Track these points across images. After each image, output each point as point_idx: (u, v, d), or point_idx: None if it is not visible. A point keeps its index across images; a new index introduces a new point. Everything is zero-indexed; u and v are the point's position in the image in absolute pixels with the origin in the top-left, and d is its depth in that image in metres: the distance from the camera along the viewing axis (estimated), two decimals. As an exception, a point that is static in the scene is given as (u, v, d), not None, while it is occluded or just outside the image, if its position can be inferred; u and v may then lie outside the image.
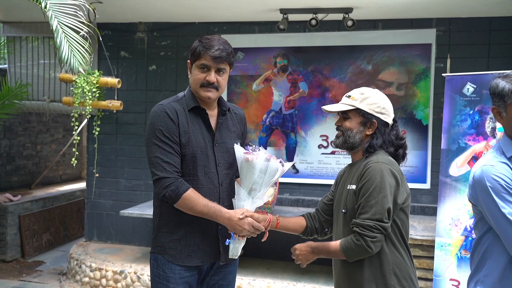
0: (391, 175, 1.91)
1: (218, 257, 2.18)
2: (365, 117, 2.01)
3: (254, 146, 2.12)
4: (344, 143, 2.05)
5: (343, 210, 2.02)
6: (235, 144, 2.12)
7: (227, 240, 2.09)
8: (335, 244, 1.98)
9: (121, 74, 5.53)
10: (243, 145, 2.29)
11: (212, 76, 2.10)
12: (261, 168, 2.04)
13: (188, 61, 2.18)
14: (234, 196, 2.13)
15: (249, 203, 2.09)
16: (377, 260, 1.93)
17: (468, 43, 4.75)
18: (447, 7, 4.41)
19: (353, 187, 1.99)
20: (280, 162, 2.09)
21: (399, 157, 2.07)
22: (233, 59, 2.17)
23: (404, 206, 1.97)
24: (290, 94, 5.16)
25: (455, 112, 3.64)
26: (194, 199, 2.04)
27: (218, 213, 2.04)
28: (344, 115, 2.06)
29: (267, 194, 2.17)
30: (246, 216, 2.05)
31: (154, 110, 2.12)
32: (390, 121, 2.05)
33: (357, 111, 2.02)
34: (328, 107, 2.10)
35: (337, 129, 2.10)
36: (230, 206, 2.13)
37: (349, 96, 2.06)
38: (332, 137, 5.04)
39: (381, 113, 2.02)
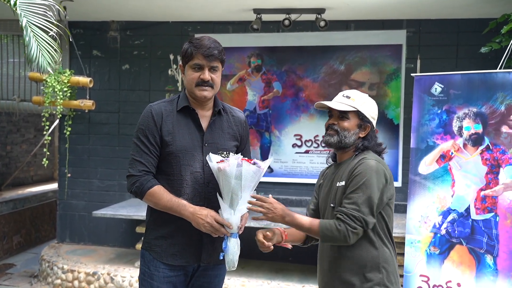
0: (382, 173, 1.97)
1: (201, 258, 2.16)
2: (362, 120, 2.06)
3: (225, 153, 2.08)
4: (338, 142, 2.04)
5: (332, 204, 2.05)
6: (210, 153, 2.07)
7: (221, 253, 2.08)
8: (313, 221, 1.97)
9: (94, 73, 5.46)
10: (243, 149, 2.28)
11: (206, 74, 2.11)
12: (236, 175, 1.98)
13: (180, 64, 2.22)
14: (221, 197, 2.07)
15: (232, 213, 2.03)
16: (367, 254, 1.97)
17: (437, 44, 4.86)
18: (417, 9, 4.51)
19: (343, 183, 2.00)
20: (254, 163, 2.02)
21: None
22: (224, 57, 2.19)
23: (390, 202, 2.04)
24: (264, 94, 5.18)
25: (424, 111, 3.71)
26: (159, 194, 2.06)
27: (182, 207, 2.04)
28: (343, 114, 2.05)
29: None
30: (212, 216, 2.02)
31: (144, 110, 2.19)
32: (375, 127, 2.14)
33: (357, 113, 2.05)
34: (328, 103, 2.07)
35: (330, 127, 2.08)
36: (217, 207, 2.08)
37: (348, 97, 2.06)
38: (306, 136, 5.09)
39: (374, 119, 2.10)
